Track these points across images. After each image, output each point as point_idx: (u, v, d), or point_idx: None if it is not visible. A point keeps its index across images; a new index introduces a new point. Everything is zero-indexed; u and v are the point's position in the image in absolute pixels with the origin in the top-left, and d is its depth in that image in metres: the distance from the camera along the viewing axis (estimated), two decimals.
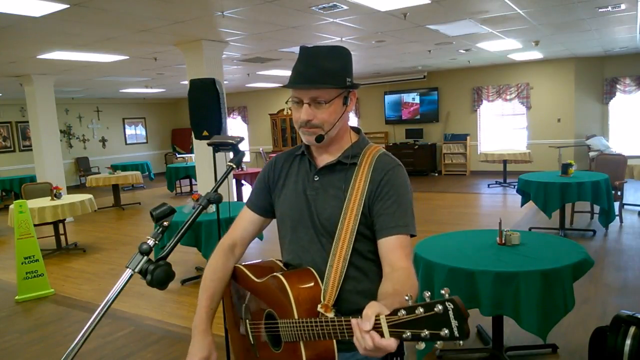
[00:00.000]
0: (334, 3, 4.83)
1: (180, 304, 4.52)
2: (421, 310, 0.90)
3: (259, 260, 1.57)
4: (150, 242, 1.19)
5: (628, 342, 2.53)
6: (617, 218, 6.32)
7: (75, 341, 1.10)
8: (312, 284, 1.31)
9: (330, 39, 6.78)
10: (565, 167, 5.97)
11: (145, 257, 1.19)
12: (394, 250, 1.33)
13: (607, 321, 2.70)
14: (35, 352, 3.65)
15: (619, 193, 6.39)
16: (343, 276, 1.32)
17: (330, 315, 1.21)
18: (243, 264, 1.54)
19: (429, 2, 4.98)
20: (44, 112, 8.70)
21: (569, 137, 11.00)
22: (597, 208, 6.33)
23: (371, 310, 0.98)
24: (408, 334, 0.92)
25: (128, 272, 1.18)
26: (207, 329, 1.45)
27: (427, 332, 0.90)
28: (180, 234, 1.27)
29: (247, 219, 1.58)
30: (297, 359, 1.25)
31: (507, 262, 2.77)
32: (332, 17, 5.47)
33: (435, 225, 6.64)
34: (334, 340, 1.23)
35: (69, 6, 4.32)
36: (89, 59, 7.20)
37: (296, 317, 1.24)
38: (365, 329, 0.97)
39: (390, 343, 0.95)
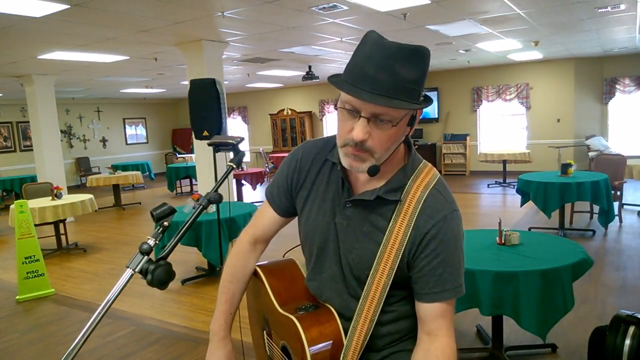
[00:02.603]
0: (334, 3, 4.84)
1: (180, 303, 4.53)
2: None
3: (279, 261, 1.43)
4: (151, 241, 1.20)
5: (627, 341, 2.53)
6: (617, 218, 6.33)
7: (76, 341, 1.11)
8: (333, 339, 1.15)
9: (330, 39, 6.79)
10: (565, 167, 5.98)
11: (146, 257, 1.19)
12: (436, 319, 1.12)
13: (606, 321, 2.71)
14: (35, 351, 3.65)
15: (618, 193, 6.40)
16: (367, 338, 1.14)
17: None
18: (262, 266, 1.40)
19: (429, 2, 4.99)
20: (45, 112, 8.71)
21: (569, 137, 11.01)
22: (596, 208, 6.35)
23: None
24: None
25: (128, 271, 1.19)
26: (227, 335, 1.35)
27: None
28: (180, 234, 1.28)
29: (268, 216, 1.38)
30: None
31: (506, 262, 2.78)
32: (332, 18, 5.47)
33: None
34: None
35: (69, 6, 4.33)
36: (90, 59, 7.20)
37: None
38: None
39: None
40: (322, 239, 1.23)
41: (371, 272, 1.13)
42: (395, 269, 1.12)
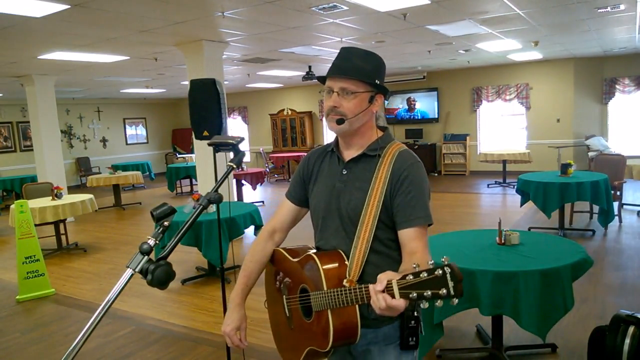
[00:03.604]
0: (334, 3, 4.84)
1: (180, 303, 4.53)
2: (425, 274, 1.11)
3: (295, 245, 1.73)
4: (151, 241, 1.20)
5: (627, 341, 2.54)
6: (616, 218, 6.33)
7: (76, 341, 1.11)
8: (339, 262, 1.49)
9: (331, 39, 6.79)
10: (565, 167, 5.98)
11: (146, 257, 1.20)
12: (413, 240, 1.47)
13: (606, 321, 2.72)
14: (36, 351, 3.66)
15: (618, 193, 6.40)
16: (366, 256, 1.47)
17: None
18: (283, 247, 1.72)
19: (429, 2, 4.99)
20: (45, 112, 8.72)
21: (568, 137, 11.01)
22: (596, 208, 6.35)
23: (384, 275, 1.19)
24: (414, 294, 1.12)
25: (129, 271, 1.19)
26: (241, 302, 1.66)
27: (429, 292, 1.10)
28: (180, 234, 1.28)
29: (286, 208, 1.74)
30: (326, 325, 1.43)
31: (506, 261, 2.78)
32: (332, 18, 5.48)
33: (435, 225, 6.57)
34: (357, 310, 1.42)
35: (69, 7, 4.33)
36: (90, 59, 7.21)
37: (325, 289, 1.42)
38: (378, 289, 1.17)
39: (400, 303, 1.15)
40: (327, 202, 1.59)
41: (363, 209, 1.50)
42: (381, 205, 1.48)
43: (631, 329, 2.55)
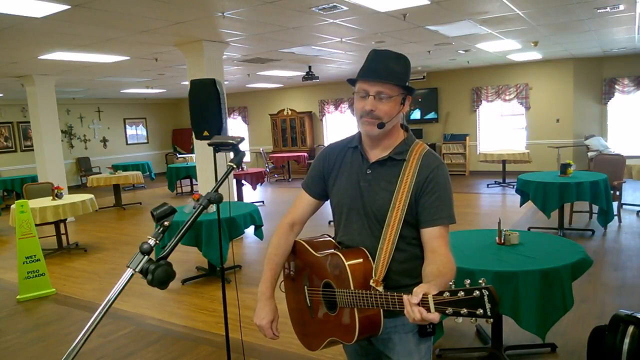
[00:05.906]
0: (334, 4, 4.85)
1: (180, 303, 4.54)
2: (462, 293, 1.15)
3: (314, 237, 1.77)
4: (151, 241, 1.21)
5: (626, 341, 2.54)
6: (616, 218, 6.34)
7: (77, 340, 1.11)
8: (365, 262, 1.53)
9: (330, 40, 6.80)
10: (564, 167, 5.98)
11: (146, 257, 1.20)
12: (436, 239, 1.52)
13: (605, 320, 2.72)
14: (36, 351, 3.66)
15: (617, 193, 6.41)
16: (391, 257, 1.52)
17: (380, 289, 1.46)
18: (302, 239, 1.76)
19: (429, 2, 5.00)
20: (45, 113, 8.72)
21: (568, 137, 11.01)
22: (595, 208, 6.35)
23: (420, 289, 1.24)
24: (450, 310, 1.16)
25: (129, 271, 1.19)
26: (272, 295, 1.72)
27: (465, 310, 1.14)
28: (180, 234, 1.29)
29: (304, 201, 1.77)
30: (351, 321, 1.49)
31: (506, 261, 2.79)
32: (332, 18, 5.48)
33: None
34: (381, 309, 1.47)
35: (69, 7, 4.34)
36: (90, 59, 7.21)
37: (352, 288, 1.47)
38: (414, 302, 1.22)
39: (435, 316, 1.20)
40: (351, 200, 1.63)
41: (389, 210, 1.54)
42: (407, 206, 1.52)
43: (630, 328, 2.56)
